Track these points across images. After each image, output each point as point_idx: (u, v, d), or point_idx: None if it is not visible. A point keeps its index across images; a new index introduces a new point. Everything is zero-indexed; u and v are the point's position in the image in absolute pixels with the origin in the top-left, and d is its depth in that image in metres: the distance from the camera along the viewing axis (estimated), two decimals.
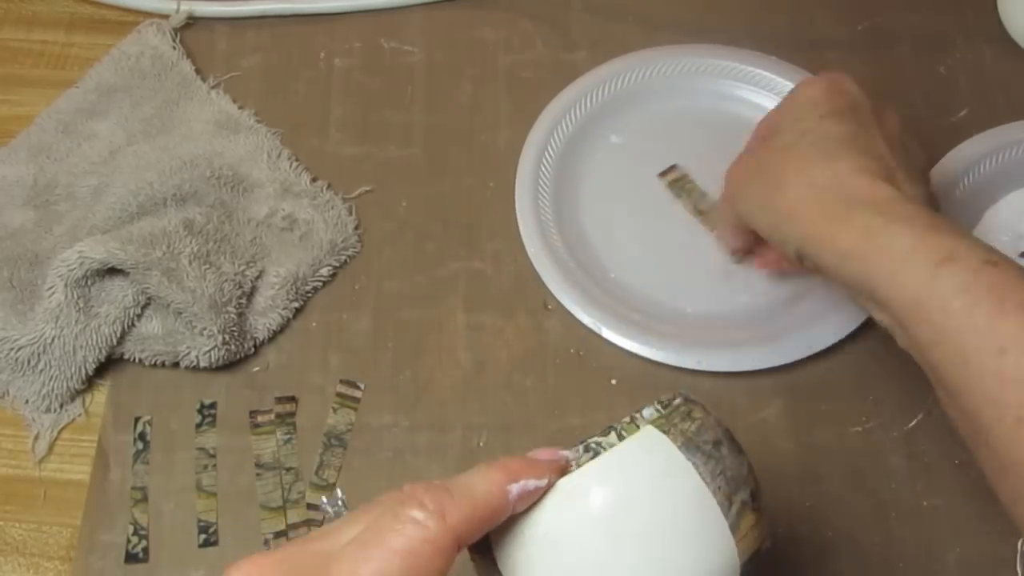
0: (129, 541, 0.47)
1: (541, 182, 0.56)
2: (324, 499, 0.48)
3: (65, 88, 0.60)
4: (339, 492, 0.48)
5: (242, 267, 0.52)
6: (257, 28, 0.63)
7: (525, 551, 0.34)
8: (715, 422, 0.36)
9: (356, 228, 0.55)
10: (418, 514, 0.31)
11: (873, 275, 0.40)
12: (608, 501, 0.33)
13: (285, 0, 0.63)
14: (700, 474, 0.34)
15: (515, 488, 0.33)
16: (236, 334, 0.50)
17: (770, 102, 0.59)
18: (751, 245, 0.53)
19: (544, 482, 0.34)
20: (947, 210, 0.55)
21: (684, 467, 0.34)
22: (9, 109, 0.60)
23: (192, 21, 0.63)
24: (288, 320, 0.53)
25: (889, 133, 0.46)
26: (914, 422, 0.50)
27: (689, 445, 0.34)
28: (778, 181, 0.44)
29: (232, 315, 0.50)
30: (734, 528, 0.34)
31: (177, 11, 0.62)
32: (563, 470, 0.35)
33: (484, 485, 0.33)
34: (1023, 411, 0.35)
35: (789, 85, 0.59)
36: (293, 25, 0.63)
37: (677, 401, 0.36)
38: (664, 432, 0.35)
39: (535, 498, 0.34)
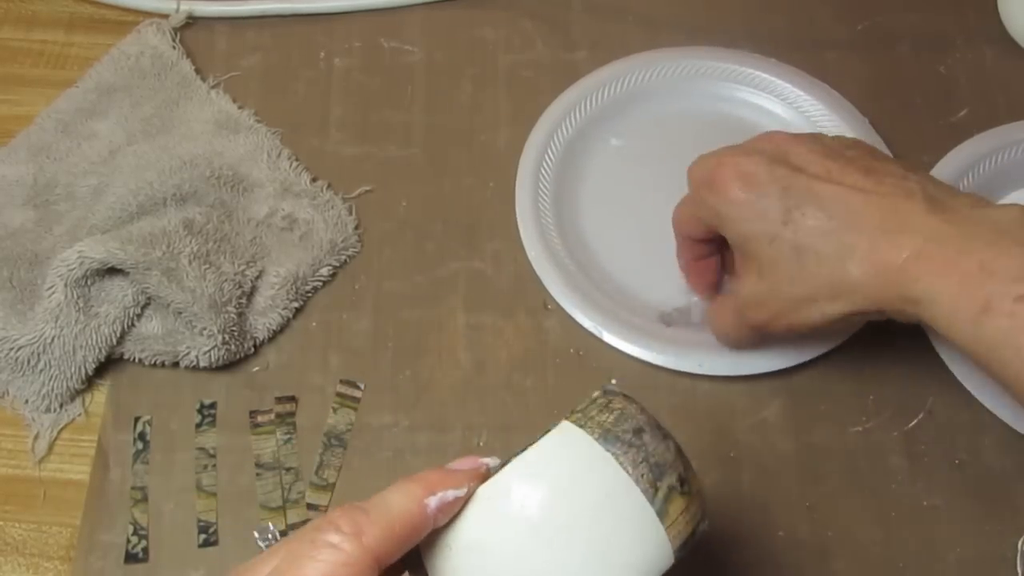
0: (129, 541, 0.47)
1: (541, 183, 0.56)
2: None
3: (65, 88, 0.60)
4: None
5: (242, 267, 0.52)
6: (257, 28, 0.63)
7: (452, 563, 0.34)
8: (636, 410, 0.35)
9: (356, 228, 0.55)
10: (334, 538, 0.31)
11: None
12: (529, 500, 0.33)
13: (285, 0, 0.63)
14: (621, 464, 0.33)
15: (433, 501, 0.33)
16: (236, 334, 0.50)
17: (770, 104, 0.59)
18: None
19: (463, 491, 0.33)
20: None
21: (603, 458, 0.34)
22: (9, 109, 0.60)
23: (192, 21, 0.63)
24: (288, 320, 0.53)
25: (820, 150, 0.44)
26: (914, 422, 0.50)
27: (607, 436, 0.34)
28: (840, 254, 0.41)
29: (232, 315, 0.50)
30: (662, 514, 0.33)
31: (177, 11, 0.62)
32: (484, 477, 0.34)
33: (401, 501, 0.32)
34: None
35: (789, 87, 0.59)
36: (293, 25, 0.63)
37: (595, 394, 0.36)
38: (580, 426, 0.35)
39: (456, 508, 0.33)
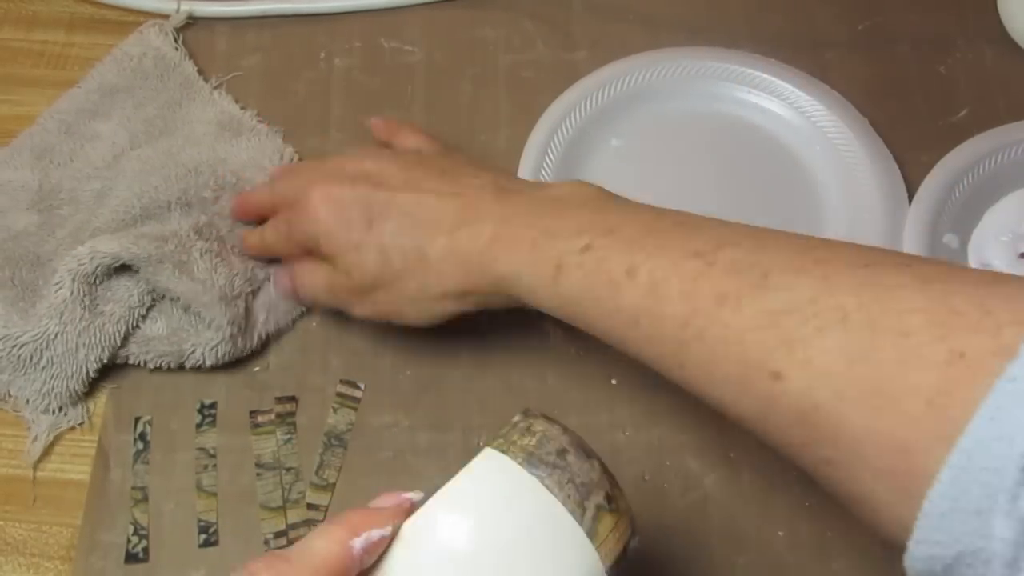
0: (129, 541, 0.47)
1: None
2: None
3: (65, 88, 0.60)
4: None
5: (251, 265, 0.52)
6: (257, 28, 0.63)
7: None
8: (559, 431, 0.35)
9: None
10: None
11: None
12: (457, 532, 0.32)
13: (285, 0, 0.63)
14: (547, 486, 0.33)
15: (358, 542, 0.32)
16: (243, 327, 0.50)
17: (770, 104, 0.59)
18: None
19: (388, 529, 0.32)
20: (947, 210, 0.55)
21: (529, 483, 0.33)
22: (9, 109, 0.60)
23: (192, 21, 0.63)
24: (296, 317, 0.53)
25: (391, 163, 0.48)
26: None
27: (531, 460, 0.33)
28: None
29: (241, 308, 0.50)
30: (592, 534, 0.33)
31: (178, 11, 0.62)
32: (409, 512, 0.33)
33: (325, 545, 0.31)
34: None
35: (789, 88, 0.59)
36: (293, 25, 0.63)
37: (516, 419, 0.36)
38: (503, 452, 0.34)
39: (382, 547, 0.32)
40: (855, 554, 0.48)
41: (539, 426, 0.35)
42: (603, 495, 0.34)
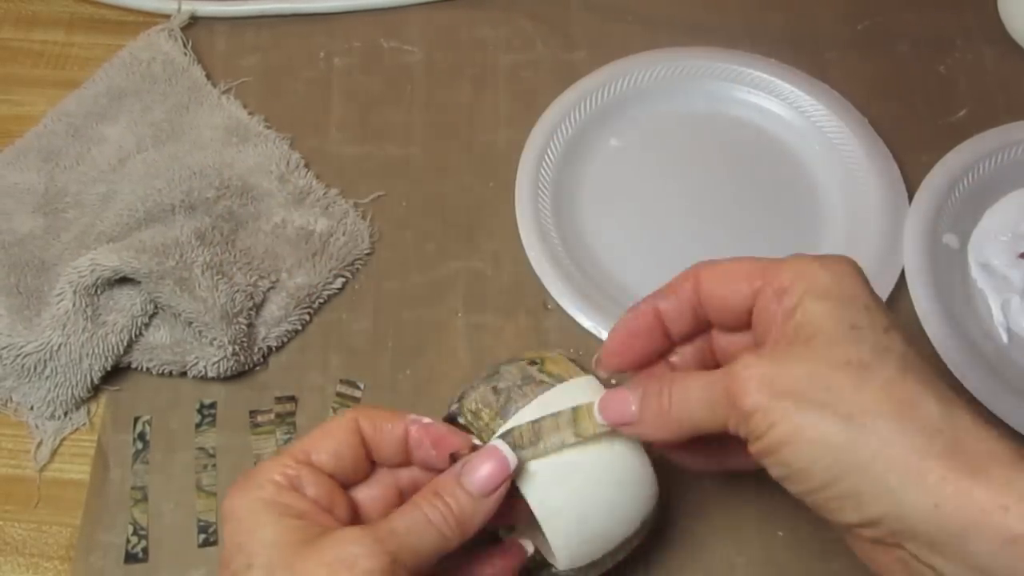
0: (129, 541, 0.47)
1: (541, 184, 0.56)
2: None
3: (65, 88, 0.60)
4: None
5: (255, 278, 0.52)
6: (257, 28, 0.63)
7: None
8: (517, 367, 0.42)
9: (371, 236, 0.55)
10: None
11: None
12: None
13: (285, 0, 0.63)
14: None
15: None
16: (245, 345, 0.50)
17: (770, 104, 0.59)
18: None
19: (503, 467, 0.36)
20: (947, 210, 0.55)
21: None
22: (9, 109, 0.60)
23: (192, 21, 0.63)
24: (298, 331, 0.53)
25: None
26: None
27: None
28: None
29: (242, 326, 0.50)
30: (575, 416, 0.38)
31: (179, 11, 0.62)
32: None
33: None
34: None
35: (789, 87, 0.59)
36: (293, 25, 0.63)
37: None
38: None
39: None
40: (855, 554, 0.47)
41: (471, 403, 0.41)
42: (527, 364, 0.41)
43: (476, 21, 0.63)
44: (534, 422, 0.37)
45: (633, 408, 0.36)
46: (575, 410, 0.37)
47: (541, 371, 0.40)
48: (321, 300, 0.54)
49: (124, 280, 0.50)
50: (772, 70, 0.60)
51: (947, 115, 0.60)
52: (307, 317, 0.53)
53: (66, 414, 0.50)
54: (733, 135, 0.59)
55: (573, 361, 0.42)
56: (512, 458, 0.36)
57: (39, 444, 0.50)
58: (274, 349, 0.52)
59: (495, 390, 0.40)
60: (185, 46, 0.62)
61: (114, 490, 0.49)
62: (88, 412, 0.51)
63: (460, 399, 0.42)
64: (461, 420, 0.41)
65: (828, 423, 0.31)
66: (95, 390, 0.51)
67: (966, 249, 0.55)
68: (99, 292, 0.50)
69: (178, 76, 0.60)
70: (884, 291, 0.53)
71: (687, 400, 0.35)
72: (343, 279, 0.54)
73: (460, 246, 0.55)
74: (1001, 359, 0.51)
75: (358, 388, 0.52)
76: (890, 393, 0.31)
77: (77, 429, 0.50)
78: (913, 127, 0.59)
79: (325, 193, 0.56)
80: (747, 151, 0.59)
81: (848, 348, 0.32)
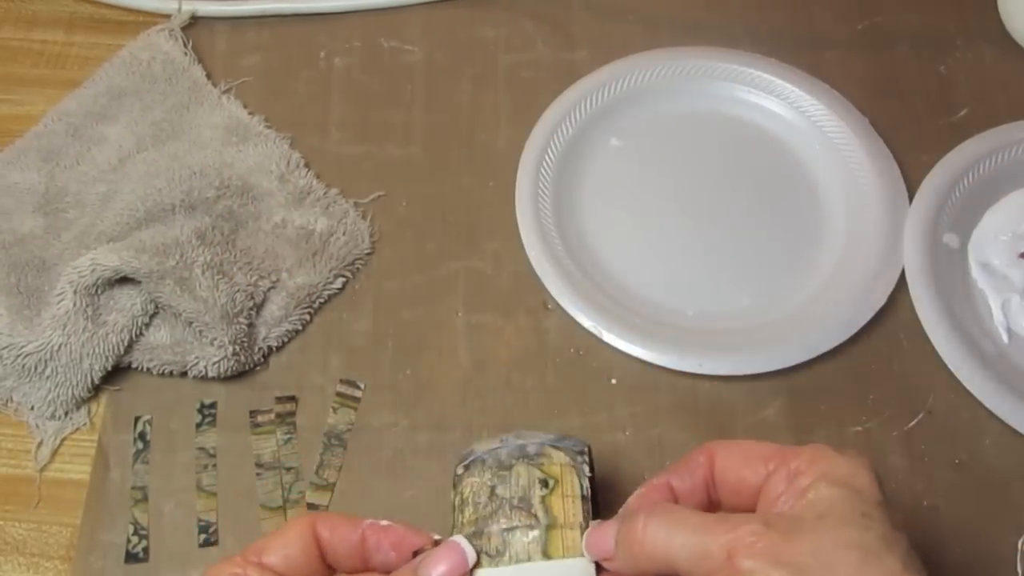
0: (129, 541, 0.47)
1: (541, 183, 0.56)
2: None
3: (65, 88, 0.60)
4: None
5: (255, 278, 0.52)
6: (257, 28, 0.63)
7: None
8: (475, 481, 0.40)
9: (371, 235, 0.55)
10: None
11: None
12: None
13: (285, 0, 0.63)
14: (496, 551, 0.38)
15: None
16: (246, 345, 0.50)
17: (770, 104, 0.59)
18: None
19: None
20: (947, 210, 0.55)
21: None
22: (9, 109, 0.60)
23: (192, 21, 0.63)
24: (298, 331, 0.53)
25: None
26: (914, 422, 0.50)
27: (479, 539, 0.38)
28: None
29: (243, 326, 0.50)
30: (550, 524, 0.38)
31: (179, 11, 0.62)
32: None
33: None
34: None
35: (789, 87, 0.59)
36: (293, 24, 0.63)
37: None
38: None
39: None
40: None
41: (467, 489, 0.40)
42: (538, 484, 0.39)
43: (476, 21, 0.63)
44: (505, 530, 0.38)
45: (611, 543, 0.36)
46: (550, 530, 0.38)
47: (544, 502, 0.39)
48: (321, 300, 0.54)
49: (124, 280, 0.50)
50: (772, 70, 0.60)
51: (947, 115, 0.60)
52: (307, 317, 0.53)
53: (66, 414, 0.50)
54: (733, 135, 0.59)
55: (585, 500, 0.39)
56: (472, 555, 0.37)
57: (39, 444, 0.50)
58: (274, 349, 0.52)
59: (492, 493, 0.39)
60: (185, 46, 0.62)
61: (114, 490, 0.49)
62: (88, 412, 0.51)
63: (468, 467, 0.40)
64: (453, 493, 0.41)
65: None
66: (95, 390, 0.51)
67: (966, 249, 0.55)
68: (99, 292, 0.50)
69: (178, 76, 0.60)
70: (884, 291, 0.53)
71: (669, 537, 0.35)
72: (343, 279, 0.54)
73: (460, 246, 0.55)
74: (1001, 359, 0.51)
75: (358, 388, 0.52)
76: None
77: (77, 429, 0.50)
78: (913, 127, 0.59)
79: (325, 193, 0.56)
80: (747, 151, 0.59)
81: (857, 533, 0.33)
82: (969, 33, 0.63)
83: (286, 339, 0.52)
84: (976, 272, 0.54)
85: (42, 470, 0.49)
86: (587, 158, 0.58)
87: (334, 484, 0.49)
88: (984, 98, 0.60)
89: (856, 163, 0.57)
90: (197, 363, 0.50)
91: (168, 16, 0.63)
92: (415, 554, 0.37)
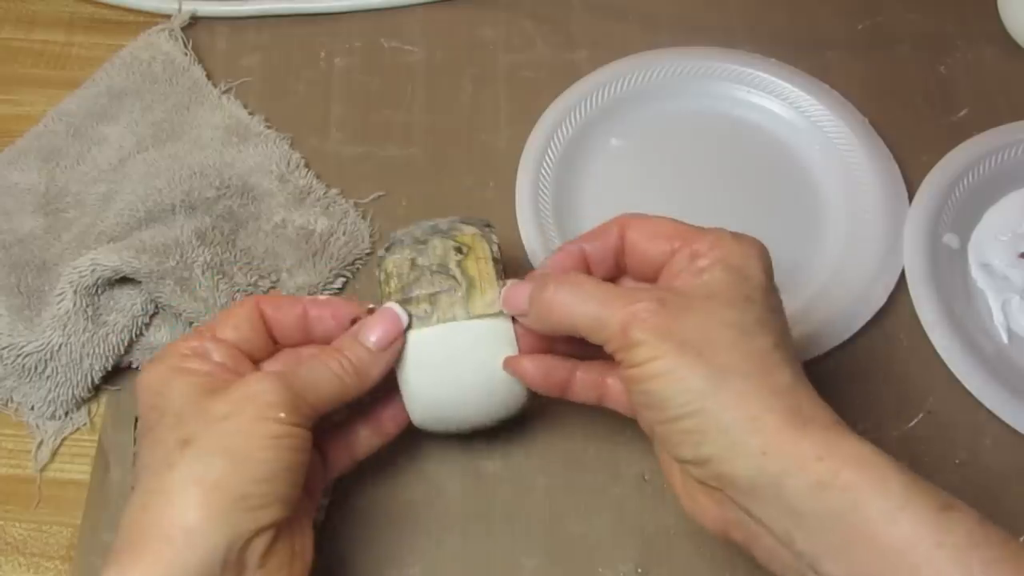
0: None
1: (541, 184, 0.56)
2: None
3: (65, 88, 0.60)
4: None
5: (255, 278, 0.52)
6: (257, 28, 0.63)
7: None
8: (396, 258, 0.44)
9: (371, 236, 0.55)
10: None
11: (862, 512, 0.33)
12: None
13: (285, 0, 0.63)
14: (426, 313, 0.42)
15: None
16: None
17: (770, 104, 0.59)
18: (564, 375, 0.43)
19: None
20: (947, 210, 0.55)
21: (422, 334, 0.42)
22: (9, 109, 0.60)
23: (192, 21, 0.63)
24: None
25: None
26: (914, 422, 0.50)
27: (408, 304, 0.43)
28: (727, 371, 0.36)
29: None
30: (469, 288, 0.43)
31: (179, 11, 0.62)
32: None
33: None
34: None
35: (789, 87, 0.59)
36: (293, 25, 0.63)
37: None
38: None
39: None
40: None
41: (390, 265, 0.44)
42: (453, 251, 0.43)
43: (476, 21, 0.63)
44: (431, 294, 0.42)
45: (526, 301, 0.41)
46: (471, 290, 0.42)
47: (460, 266, 0.43)
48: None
49: (125, 280, 0.50)
50: (772, 70, 0.60)
51: (947, 115, 0.60)
52: None
53: (67, 414, 0.50)
54: (733, 135, 0.59)
55: (496, 262, 0.43)
56: (404, 317, 0.42)
57: (39, 444, 0.50)
58: None
59: (413, 264, 0.43)
60: (185, 46, 0.62)
61: (114, 490, 0.49)
62: (89, 412, 0.51)
63: (389, 248, 0.44)
64: (378, 271, 0.44)
65: (698, 369, 0.36)
66: (96, 390, 0.51)
67: (966, 249, 0.55)
68: (100, 292, 0.50)
69: (178, 76, 0.60)
70: (884, 291, 0.53)
71: (573, 304, 0.39)
72: (343, 279, 0.54)
73: None
74: (1001, 359, 0.51)
75: None
76: (757, 359, 0.36)
77: (77, 429, 0.50)
78: (913, 127, 0.59)
79: (325, 193, 0.56)
80: (747, 151, 0.59)
81: (736, 314, 0.37)
82: (969, 33, 0.63)
83: None
84: (976, 272, 0.54)
85: (42, 470, 0.50)
86: (587, 158, 0.58)
87: (334, 484, 0.49)
88: (984, 98, 0.60)
89: (856, 163, 0.57)
90: None
91: (168, 16, 0.63)
92: (353, 323, 0.42)
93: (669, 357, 0.36)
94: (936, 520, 0.33)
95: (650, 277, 0.42)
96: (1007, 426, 0.50)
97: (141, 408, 0.39)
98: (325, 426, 0.43)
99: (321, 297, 0.44)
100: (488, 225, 0.45)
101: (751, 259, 0.39)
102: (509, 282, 0.42)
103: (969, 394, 0.50)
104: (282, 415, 0.37)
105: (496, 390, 0.43)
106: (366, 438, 0.45)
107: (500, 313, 0.42)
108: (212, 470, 0.36)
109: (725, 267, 0.38)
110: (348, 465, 0.45)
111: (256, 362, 0.42)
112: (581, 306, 0.39)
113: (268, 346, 0.43)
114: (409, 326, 0.42)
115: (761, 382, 0.36)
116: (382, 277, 0.44)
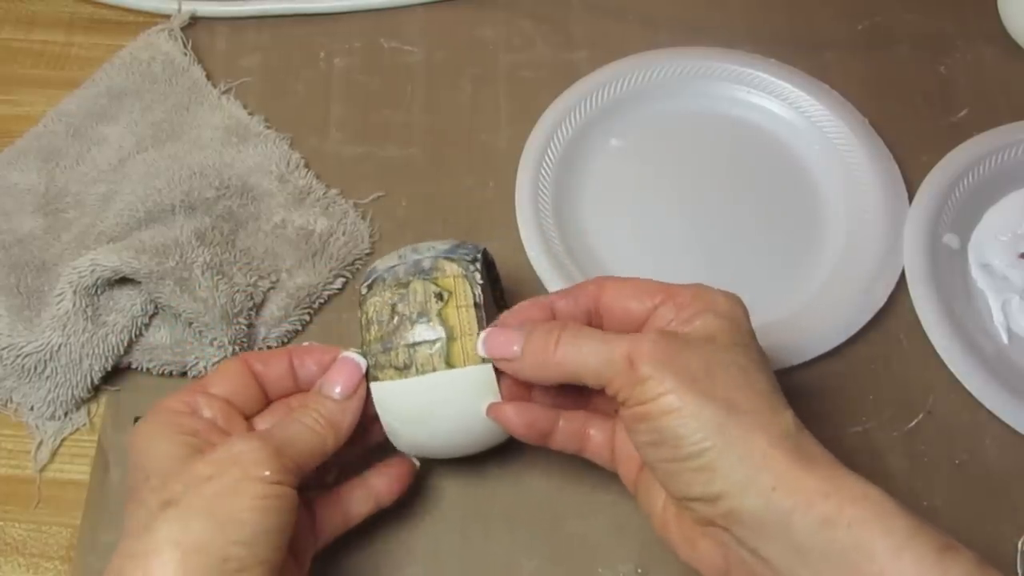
0: None
1: (541, 184, 0.56)
2: None
3: (65, 88, 0.60)
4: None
5: (255, 278, 0.52)
6: (257, 28, 0.63)
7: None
8: (377, 300, 0.43)
9: (371, 236, 0.55)
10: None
11: (866, 549, 0.34)
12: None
13: (285, 0, 0.63)
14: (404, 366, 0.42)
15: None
16: (245, 345, 0.50)
17: (770, 104, 0.59)
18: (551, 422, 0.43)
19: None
20: (947, 210, 0.55)
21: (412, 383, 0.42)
22: (9, 109, 0.60)
23: (192, 21, 0.63)
24: (297, 331, 0.53)
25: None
26: (914, 422, 0.50)
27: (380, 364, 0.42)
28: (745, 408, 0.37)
29: (243, 326, 0.50)
30: (450, 335, 0.42)
31: (179, 11, 0.62)
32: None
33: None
34: None
35: (789, 87, 0.59)
36: (293, 25, 0.64)
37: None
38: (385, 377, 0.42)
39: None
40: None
41: (371, 309, 0.43)
42: (434, 298, 0.42)
43: (476, 21, 0.63)
44: (411, 345, 0.41)
45: (516, 348, 0.40)
46: (450, 342, 0.41)
47: (440, 315, 0.42)
48: (321, 300, 0.54)
49: (124, 280, 0.50)
50: (772, 70, 0.60)
51: (947, 115, 0.60)
52: (307, 317, 0.53)
53: (66, 414, 0.50)
54: (733, 135, 0.59)
55: (478, 307, 0.42)
56: (362, 362, 0.42)
57: (39, 444, 0.50)
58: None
59: (393, 310, 0.42)
60: (185, 46, 0.62)
61: (114, 490, 0.49)
62: (88, 412, 0.51)
63: (371, 287, 0.43)
64: (360, 312, 0.43)
65: (709, 405, 0.36)
66: (95, 390, 0.51)
67: (966, 249, 0.55)
68: (99, 292, 0.50)
69: (178, 76, 0.60)
70: (884, 291, 0.53)
71: (577, 347, 0.39)
72: (343, 279, 0.54)
73: None
74: (1001, 359, 0.51)
75: None
76: (762, 398, 0.37)
77: (77, 429, 0.50)
78: (913, 127, 0.59)
79: (325, 193, 0.56)
80: (747, 151, 0.59)
81: (735, 355, 0.38)
82: (969, 33, 0.63)
83: (286, 339, 0.52)
84: (976, 272, 0.54)
85: (42, 470, 0.50)
86: (587, 158, 0.58)
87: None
88: (984, 98, 0.60)
89: (856, 163, 0.57)
90: (197, 363, 0.50)
91: (168, 16, 0.63)
92: None
93: (679, 393, 0.36)
94: (938, 560, 0.33)
95: (630, 332, 0.40)
96: (1007, 426, 0.50)
97: (128, 467, 0.40)
98: (315, 487, 0.43)
99: (304, 344, 0.45)
100: (475, 260, 0.43)
101: (737, 308, 0.40)
102: (489, 328, 0.42)
103: (969, 394, 0.50)
104: (267, 473, 0.37)
105: (478, 433, 0.43)
106: (360, 500, 0.44)
107: (481, 360, 0.41)
108: (193, 531, 0.35)
109: (715, 314, 0.39)
110: (341, 528, 0.44)
111: (248, 416, 0.42)
112: (587, 345, 0.39)
113: (259, 398, 0.43)
114: (391, 377, 0.42)
115: (768, 420, 0.37)
116: (363, 321, 0.43)
